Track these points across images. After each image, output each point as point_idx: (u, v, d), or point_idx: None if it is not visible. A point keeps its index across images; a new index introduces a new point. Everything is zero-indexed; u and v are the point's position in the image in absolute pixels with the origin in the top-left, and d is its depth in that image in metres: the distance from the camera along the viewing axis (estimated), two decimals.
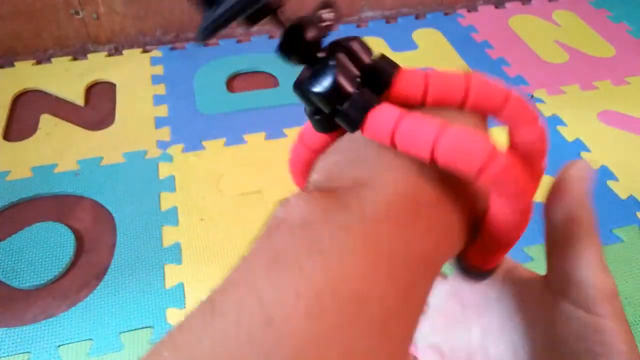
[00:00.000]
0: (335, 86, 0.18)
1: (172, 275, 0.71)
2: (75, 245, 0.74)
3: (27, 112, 0.98)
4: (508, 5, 1.27)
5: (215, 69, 1.07)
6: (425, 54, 1.11)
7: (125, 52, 1.13)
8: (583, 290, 0.20)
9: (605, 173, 0.85)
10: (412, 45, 1.14)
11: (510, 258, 0.24)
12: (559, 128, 0.93)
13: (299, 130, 0.22)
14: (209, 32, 0.18)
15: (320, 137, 0.21)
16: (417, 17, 1.24)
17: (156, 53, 1.12)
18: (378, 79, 0.19)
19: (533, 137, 0.20)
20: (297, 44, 0.19)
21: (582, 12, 1.24)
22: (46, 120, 0.95)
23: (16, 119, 0.96)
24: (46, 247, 0.74)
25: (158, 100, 1.00)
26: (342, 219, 0.16)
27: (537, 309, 0.22)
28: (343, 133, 0.20)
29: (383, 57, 0.20)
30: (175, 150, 0.89)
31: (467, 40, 1.16)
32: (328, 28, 0.19)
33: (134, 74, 1.06)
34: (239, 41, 1.15)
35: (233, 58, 1.10)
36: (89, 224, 0.78)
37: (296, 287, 0.14)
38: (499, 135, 0.20)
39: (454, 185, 0.18)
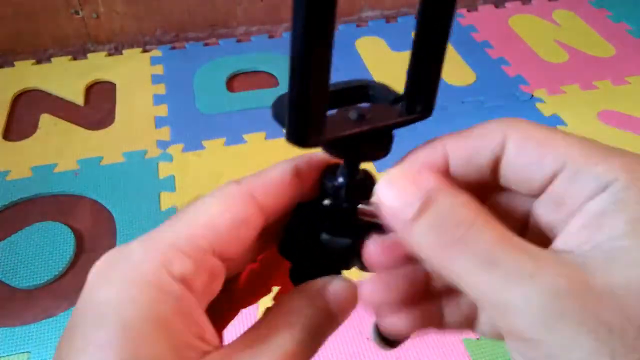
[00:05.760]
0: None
1: None
2: (75, 245, 0.74)
3: (26, 111, 0.97)
4: (508, 5, 1.27)
5: (215, 68, 1.07)
6: None
7: (125, 51, 1.13)
8: None
9: None
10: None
11: None
12: (559, 128, 0.93)
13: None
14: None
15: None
16: (417, 17, 1.23)
17: (156, 53, 1.12)
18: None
19: None
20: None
21: (582, 12, 1.24)
22: (46, 120, 0.95)
23: (16, 119, 0.96)
24: (46, 247, 0.74)
25: (158, 100, 1.00)
26: None
27: None
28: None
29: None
30: (175, 150, 0.89)
31: (467, 40, 1.16)
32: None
33: (134, 74, 1.06)
34: (239, 41, 1.15)
35: (233, 58, 1.10)
36: (89, 224, 0.78)
37: None
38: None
39: None
